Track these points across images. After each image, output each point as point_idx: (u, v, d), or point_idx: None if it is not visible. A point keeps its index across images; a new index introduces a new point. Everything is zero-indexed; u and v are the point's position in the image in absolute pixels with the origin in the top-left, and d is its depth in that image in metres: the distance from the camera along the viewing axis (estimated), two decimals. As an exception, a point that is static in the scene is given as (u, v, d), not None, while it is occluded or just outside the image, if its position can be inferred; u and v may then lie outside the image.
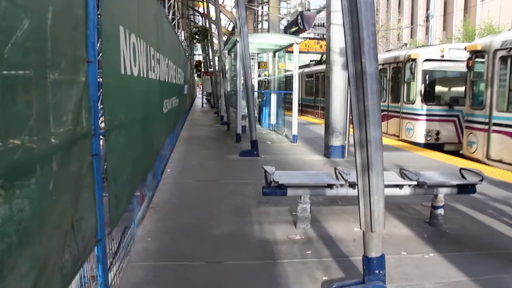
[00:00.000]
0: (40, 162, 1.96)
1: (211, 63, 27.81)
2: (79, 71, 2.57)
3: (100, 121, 3.15)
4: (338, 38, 9.02)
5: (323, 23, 13.87)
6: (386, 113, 13.83)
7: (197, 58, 45.55)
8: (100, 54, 3.01)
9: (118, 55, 3.52)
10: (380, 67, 13.60)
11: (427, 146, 12.09)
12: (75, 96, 2.48)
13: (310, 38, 24.30)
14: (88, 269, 3.05)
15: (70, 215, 2.33)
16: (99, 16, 3.01)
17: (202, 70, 38.34)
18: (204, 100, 38.31)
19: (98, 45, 2.94)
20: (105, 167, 3.17)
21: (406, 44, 27.19)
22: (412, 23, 47.88)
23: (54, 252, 2.08)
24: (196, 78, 46.74)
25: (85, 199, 2.65)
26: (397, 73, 13.61)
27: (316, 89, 23.02)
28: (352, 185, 4.54)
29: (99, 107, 2.95)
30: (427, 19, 40.62)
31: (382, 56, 14.37)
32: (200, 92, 45.28)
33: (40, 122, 2.00)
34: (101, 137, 3.06)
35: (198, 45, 38.13)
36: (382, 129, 3.00)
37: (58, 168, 2.16)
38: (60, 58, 2.26)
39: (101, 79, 3.02)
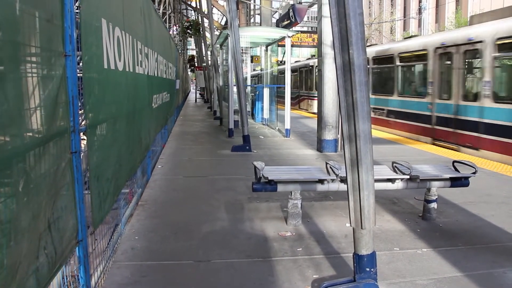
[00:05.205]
0: (8, 160, 1.85)
1: (204, 57, 27.63)
2: (55, 65, 2.45)
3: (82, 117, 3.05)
4: (329, 31, 8.86)
5: (315, 17, 13.72)
6: None
7: (190, 52, 45.23)
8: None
9: (101, 49, 3.39)
10: None
11: None
12: (51, 91, 2.37)
13: (302, 32, 24.11)
14: (70, 269, 2.95)
15: (45, 215, 2.22)
16: (78, 8, 2.90)
17: (196, 64, 38.09)
18: (198, 95, 38.10)
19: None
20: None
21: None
22: (404, 15, 47.81)
23: (27, 255, 1.98)
24: (189, 72, 46.46)
25: (64, 199, 2.55)
26: None
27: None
28: (343, 180, 4.46)
29: (79, 103, 2.84)
30: (420, 11, 40.61)
31: None
32: (194, 87, 45.03)
33: (11, 118, 1.89)
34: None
35: (192, 40, 37.85)
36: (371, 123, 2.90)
37: (30, 166, 2.05)
38: (32, 51, 2.15)
39: (82, 74, 2.92)
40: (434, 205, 4.91)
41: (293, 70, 25.84)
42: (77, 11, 2.87)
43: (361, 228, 3.01)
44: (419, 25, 42.02)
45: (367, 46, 17.61)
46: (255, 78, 23.12)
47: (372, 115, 14.13)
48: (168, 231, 4.52)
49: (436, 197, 4.90)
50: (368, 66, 13.85)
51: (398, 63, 13.17)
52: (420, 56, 12.03)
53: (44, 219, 2.20)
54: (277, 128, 13.60)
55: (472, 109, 9.77)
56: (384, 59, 14.23)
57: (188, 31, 25.99)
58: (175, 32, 25.78)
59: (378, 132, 12.99)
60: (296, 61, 29.16)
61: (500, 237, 4.45)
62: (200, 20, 25.26)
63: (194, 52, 42.23)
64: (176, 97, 15.62)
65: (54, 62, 2.44)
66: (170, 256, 3.90)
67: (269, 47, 15.76)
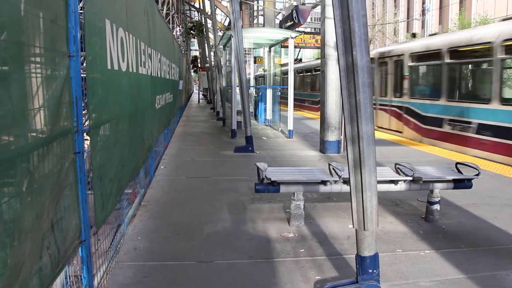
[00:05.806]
0: (12, 160, 1.86)
1: (207, 58, 27.67)
2: (59, 65, 2.46)
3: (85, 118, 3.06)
4: (333, 32, 8.90)
5: (319, 18, 13.69)
6: None
7: (193, 53, 45.27)
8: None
9: (104, 50, 3.40)
10: None
11: None
12: (55, 91, 2.37)
13: (305, 33, 24.14)
14: (72, 269, 2.95)
15: (49, 215, 2.23)
16: (82, 9, 2.91)
17: (199, 65, 38.16)
18: (201, 96, 38.14)
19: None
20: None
21: None
22: (408, 17, 47.77)
23: (30, 255, 1.98)
24: (192, 73, 46.53)
25: (67, 199, 2.55)
26: None
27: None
28: (346, 181, 4.46)
29: (83, 103, 2.85)
30: (423, 12, 40.58)
31: None
32: (197, 87, 45.09)
33: (15, 118, 1.89)
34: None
35: (195, 40, 37.91)
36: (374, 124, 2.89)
37: (34, 166, 2.06)
38: (36, 51, 2.16)
39: (85, 75, 2.93)
40: (437, 206, 4.90)
41: (315, 69, 23.45)
42: (81, 11, 2.88)
43: (364, 229, 3.01)
44: (423, 27, 41.98)
45: (434, 34, 14.43)
46: (261, 79, 23.01)
47: (449, 129, 10.75)
48: (170, 232, 4.53)
49: (439, 198, 4.90)
50: (439, 62, 11.38)
51: (501, 55, 9.07)
52: None
53: (47, 219, 2.21)
54: (280, 129, 13.60)
55: None
56: (471, 52, 10.41)
57: (191, 31, 26.07)
58: (178, 33, 25.82)
59: (462, 156, 9.28)
60: (318, 58, 27.04)
61: (503, 239, 4.44)
62: (203, 21, 25.32)
63: (197, 53, 42.32)
64: (179, 97, 15.64)
65: (58, 63, 2.45)
66: (173, 257, 3.91)
67: (272, 48, 15.77)
